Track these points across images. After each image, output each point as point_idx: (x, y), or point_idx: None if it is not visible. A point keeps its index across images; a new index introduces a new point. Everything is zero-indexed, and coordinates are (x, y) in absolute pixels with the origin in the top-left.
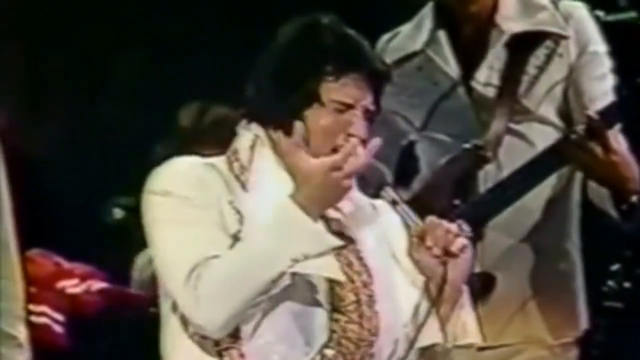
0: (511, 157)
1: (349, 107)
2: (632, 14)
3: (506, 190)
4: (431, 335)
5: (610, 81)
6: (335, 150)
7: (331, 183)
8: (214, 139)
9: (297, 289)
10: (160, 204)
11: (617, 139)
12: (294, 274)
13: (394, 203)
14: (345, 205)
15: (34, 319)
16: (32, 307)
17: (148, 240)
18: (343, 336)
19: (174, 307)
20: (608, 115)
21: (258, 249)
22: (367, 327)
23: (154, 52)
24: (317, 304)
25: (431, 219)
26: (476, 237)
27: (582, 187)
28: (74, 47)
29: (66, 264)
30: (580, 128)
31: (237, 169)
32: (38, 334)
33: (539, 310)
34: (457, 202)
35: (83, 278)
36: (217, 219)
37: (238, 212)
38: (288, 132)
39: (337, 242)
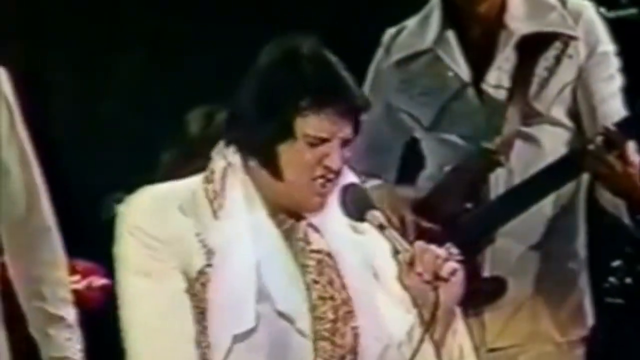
0: (522, 160)
1: (325, 140)
2: (633, 11)
3: (519, 197)
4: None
5: (618, 82)
6: (315, 180)
7: None
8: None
9: (269, 319)
10: (127, 240)
11: (635, 151)
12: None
13: (381, 227)
14: (324, 223)
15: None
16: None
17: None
18: (315, 352)
19: None
20: (626, 127)
21: None
22: (340, 344)
23: (155, 51)
24: (292, 330)
25: (419, 244)
26: (487, 243)
27: (588, 187)
28: (75, 46)
29: (68, 260)
30: (598, 139)
31: (210, 194)
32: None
33: (546, 308)
34: (468, 205)
35: (84, 274)
36: (166, 266)
37: (205, 245)
38: (263, 162)
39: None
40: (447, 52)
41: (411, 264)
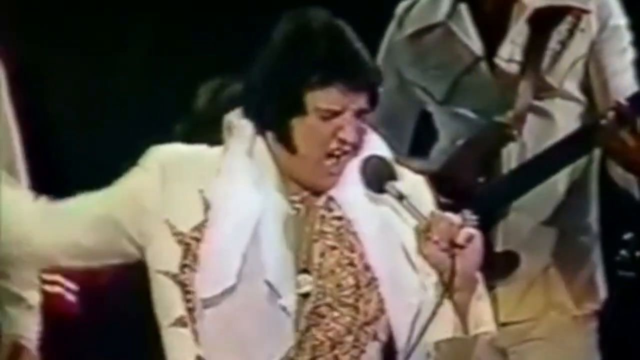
0: (534, 134)
1: (337, 113)
2: None
3: (532, 172)
4: (445, 329)
5: (630, 55)
6: (329, 155)
7: None
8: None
9: (253, 286)
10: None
11: None
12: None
13: (400, 198)
14: (343, 195)
15: (47, 287)
16: (45, 275)
17: None
18: (333, 320)
19: (157, 297)
20: (638, 102)
21: None
22: (364, 310)
23: (166, 25)
24: (276, 304)
25: (434, 211)
26: (499, 217)
27: (600, 160)
28: (84, 22)
29: None
30: (610, 114)
31: (221, 154)
32: (51, 303)
33: (559, 282)
34: (481, 179)
35: None
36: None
37: (205, 201)
38: (278, 136)
39: None
40: (459, 25)
41: (428, 232)
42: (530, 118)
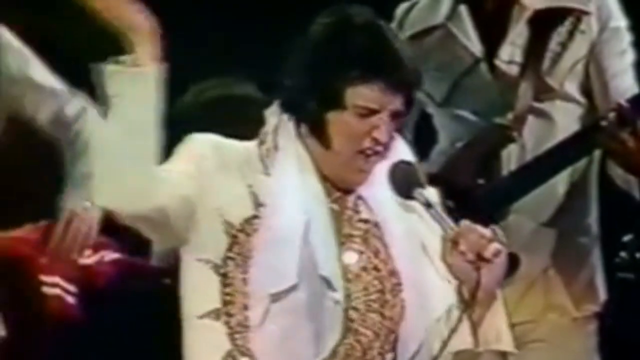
0: (535, 135)
1: (375, 111)
2: None
3: (532, 173)
4: (462, 340)
5: (630, 57)
6: (361, 152)
7: None
8: (207, 122)
9: (309, 282)
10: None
11: None
12: (305, 270)
13: (428, 205)
14: (373, 194)
15: (46, 289)
16: (44, 277)
17: None
18: (362, 325)
19: (185, 285)
20: (639, 104)
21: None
22: (389, 316)
23: (168, 24)
24: (330, 298)
25: (465, 223)
26: (499, 219)
27: (600, 161)
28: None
29: None
30: (611, 115)
31: (264, 152)
32: (50, 305)
33: (559, 284)
34: (480, 181)
35: (96, 249)
36: (192, 185)
37: (255, 197)
38: (313, 130)
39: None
40: (459, 27)
41: (455, 242)
42: (531, 119)
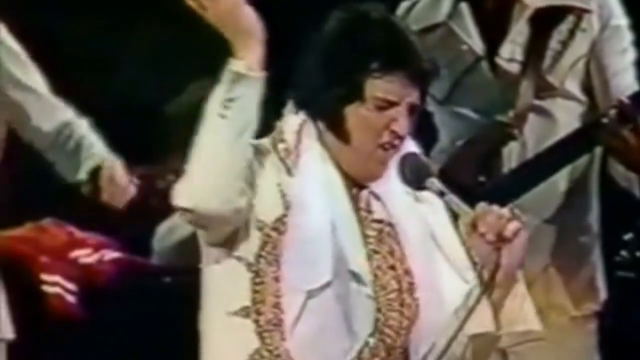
0: (535, 133)
1: (393, 104)
2: None
3: (533, 171)
4: (481, 323)
5: (631, 55)
6: (380, 146)
7: None
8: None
9: (340, 279)
10: None
11: None
12: (336, 267)
13: (441, 194)
14: (386, 192)
15: (47, 288)
16: (45, 276)
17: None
18: (385, 324)
19: (212, 283)
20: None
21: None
22: (407, 315)
23: (170, 20)
24: (362, 293)
25: (482, 205)
26: None
27: (600, 159)
28: (90, 17)
29: (79, 234)
30: (611, 112)
31: (282, 152)
32: (51, 304)
33: (559, 282)
34: (481, 178)
35: (96, 248)
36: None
37: (284, 196)
38: (331, 125)
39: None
40: (460, 25)
41: (474, 225)
42: (532, 117)
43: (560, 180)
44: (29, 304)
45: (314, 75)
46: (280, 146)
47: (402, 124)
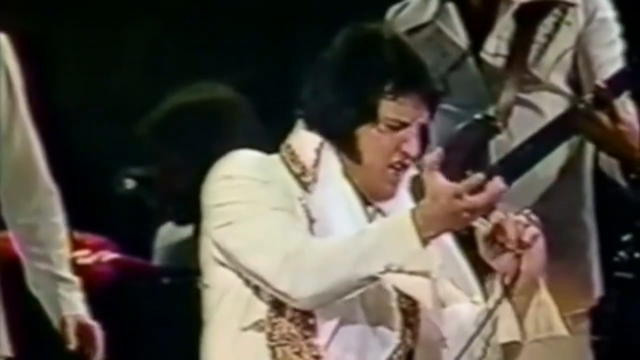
0: (522, 126)
1: (405, 124)
2: None
3: (516, 161)
4: (509, 332)
5: (619, 47)
6: (391, 167)
7: (452, 210)
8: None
9: (373, 294)
10: (242, 186)
11: (627, 107)
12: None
13: None
14: (394, 210)
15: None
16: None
17: (220, 220)
18: (406, 331)
19: (224, 298)
20: (616, 84)
21: (359, 244)
22: (416, 330)
23: (168, 21)
24: (392, 309)
25: (497, 213)
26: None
27: (594, 155)
28: (87, 18)
29: (77, 235)
30: (588, 97)
31: (297, 170)
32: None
33: (551, 281)
34: (468, 172)
35: (94, 249)
36: (293, 209)
37: (307, 210)
38: (342, 144)
39: (434, 267)
40: (447, 23)
41: (492, 235)
42: (518, 110)
43: (548, 169)
44: (29, 304)
45: (325, 95)
46: (295, 165)
47: (413, 144)
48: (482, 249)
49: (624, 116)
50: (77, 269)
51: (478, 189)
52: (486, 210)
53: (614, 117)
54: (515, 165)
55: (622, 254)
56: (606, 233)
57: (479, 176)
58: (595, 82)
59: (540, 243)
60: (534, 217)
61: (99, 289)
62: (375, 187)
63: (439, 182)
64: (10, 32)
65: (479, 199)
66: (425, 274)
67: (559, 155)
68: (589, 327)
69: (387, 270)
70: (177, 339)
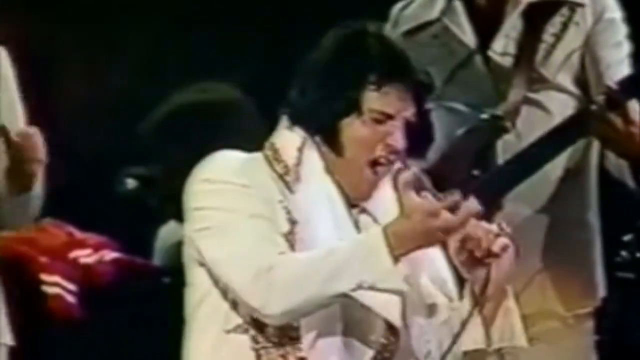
0: (529, 126)
1: (389, 117)
2: None
3: (525, 162)
4: (473, 339)
5: (626, 48)
6: (375, 162)
7: (425, 228)
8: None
9: (354, 304)
10: (221, 190)
11: (637, 110)
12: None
13: None
14: (376, 206)
15: (46, 289)
16: (44, 277)
17: (198, 224)
18: (388, 331)
19: (205, 299)
20: (628, 86)
21: (330, 260)
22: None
23: (167, 22)
24: (373, 317)
25: (472, 220)
26: (495, 208)
27: (599, 155)
28: (85, 17)
29: (79, 234)
30: (600, 99)
31: (280, 169)
32: (51, 304)
33: (555, 281)
34: (475, 172)
35: (96, 248)
36: (272, 215)
37: (289, 212)
38: (326, 138)
39: (404, 286)
40: (454, 21)
41: (463, 241)
42: (525, 110)
43: (555, 170)
44: (29, 304)
45: (310, 90)
46: (278, 164)
47: (398, 138)
48: (453, 254)
49: (635, 118)
50: (79, 268)
51: (453, 207)
52: (459, 229)
53: (626, 118)
54: (524, 165)
55: (623, 253)
56: (608, 233)
57: (455, 196)
58: (607, 84)
59: (510, 253)
60: (505, 227)
61: (100, 288)
62: (355, 184)
63: (413, 199)
64: (10, 32)
65: (453, 218)
66: (397, 292)
67: (566, 156)
68: (591, 328)
69: (359, 287)
70: (177, 339)
